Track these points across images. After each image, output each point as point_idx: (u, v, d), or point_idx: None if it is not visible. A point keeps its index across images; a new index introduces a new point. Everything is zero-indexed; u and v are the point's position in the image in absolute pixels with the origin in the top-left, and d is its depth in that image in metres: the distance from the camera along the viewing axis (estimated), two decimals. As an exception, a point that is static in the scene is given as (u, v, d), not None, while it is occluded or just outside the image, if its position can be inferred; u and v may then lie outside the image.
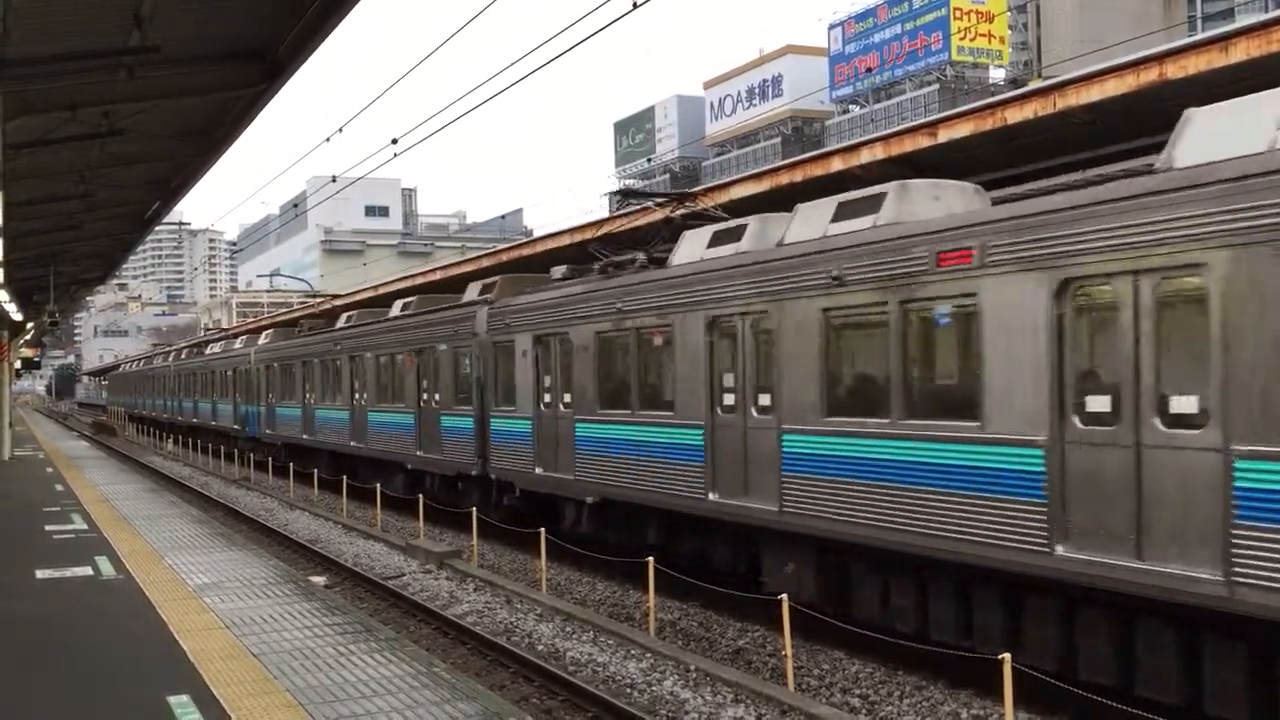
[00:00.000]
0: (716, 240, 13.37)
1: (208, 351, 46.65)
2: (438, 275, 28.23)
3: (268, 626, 10.30)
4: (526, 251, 22.64)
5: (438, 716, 7.53)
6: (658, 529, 14.41)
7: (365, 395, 24.76)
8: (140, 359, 79.45)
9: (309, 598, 11.85)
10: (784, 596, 10.40)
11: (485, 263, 24.66)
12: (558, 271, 17.44)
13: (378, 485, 22.11)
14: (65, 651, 9.42)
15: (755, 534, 12.42)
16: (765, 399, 12.01)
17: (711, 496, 12.75)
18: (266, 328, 41.44)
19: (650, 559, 12.51)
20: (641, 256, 15.34)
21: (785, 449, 11.57)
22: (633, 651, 11.83)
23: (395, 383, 23.09)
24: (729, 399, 12.57)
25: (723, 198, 15.77)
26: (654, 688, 10.58)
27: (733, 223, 13.44)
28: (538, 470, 16.70)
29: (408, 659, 9.10)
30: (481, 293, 19.65)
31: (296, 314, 42.28)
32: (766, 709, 9.76)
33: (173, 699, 7.81)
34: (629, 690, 10.58)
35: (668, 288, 13.55)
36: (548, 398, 16.56)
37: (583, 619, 13.25)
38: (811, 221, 11.72)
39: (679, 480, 13.28)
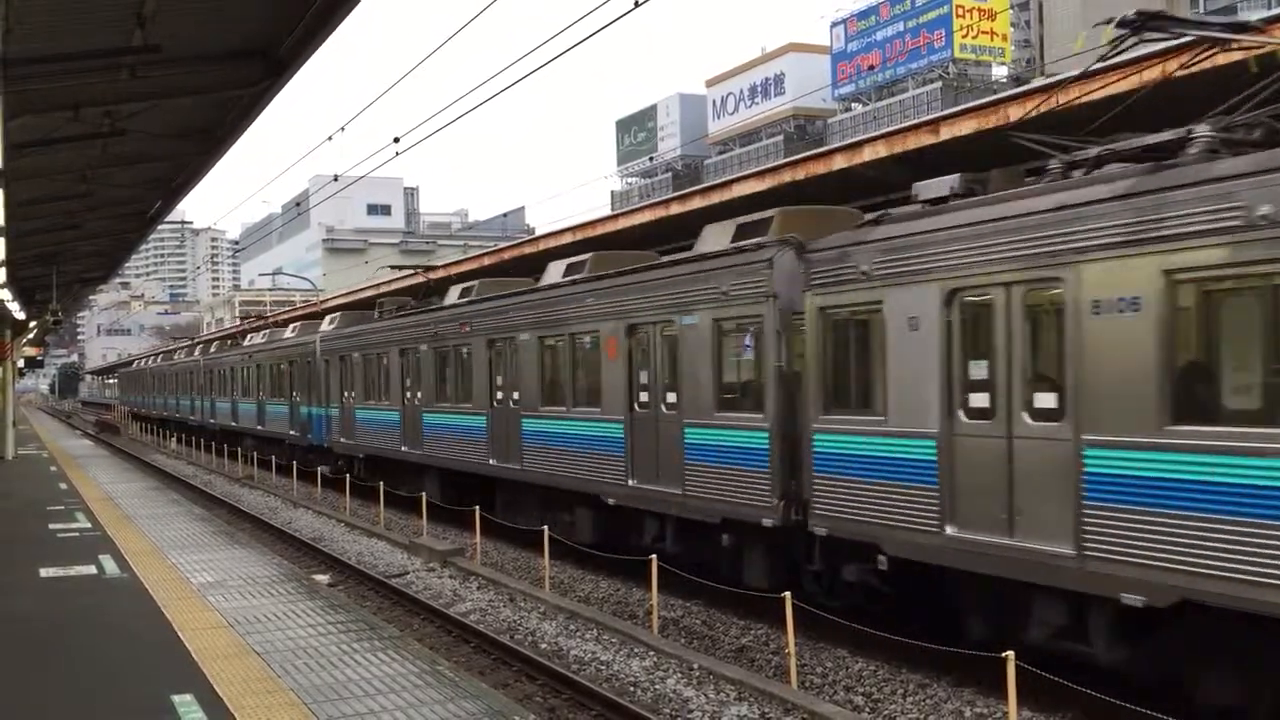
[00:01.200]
0: None
1: (246, 343, 39.87)
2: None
3: (271, 625, 10.33)
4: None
5: (441, 715, 7.54)
6: None
7: (517, 395, 18.04)
8: (159, 353, 72.89)
9: (312, 596, 11.88)
10: (786, 594, 10.36)
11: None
12: (932, 188, 10.81)
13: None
14: (68, 650, 9.44)
15: None
16: None
17: None
18: (329, 311, 34.18)
19: (653, 557, 12.48)
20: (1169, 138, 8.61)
21: None
22: (636, 650, 11.84)
23: (579, 377, 16.42)
24: None
25: None
26: (657, 686, 10.59)
27: None
28: (949, 530, 9.79)
29: (411, 657, 9.12)
30: (736, 238, 13.34)
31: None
32: (770, 707, 9.76)
33: (176, 698, 7.84)
34: (632, 689, 10.58)
35: None
36: (980, 399, 9.64)
37: (586, 617, 13.26)
38: None
39: None
